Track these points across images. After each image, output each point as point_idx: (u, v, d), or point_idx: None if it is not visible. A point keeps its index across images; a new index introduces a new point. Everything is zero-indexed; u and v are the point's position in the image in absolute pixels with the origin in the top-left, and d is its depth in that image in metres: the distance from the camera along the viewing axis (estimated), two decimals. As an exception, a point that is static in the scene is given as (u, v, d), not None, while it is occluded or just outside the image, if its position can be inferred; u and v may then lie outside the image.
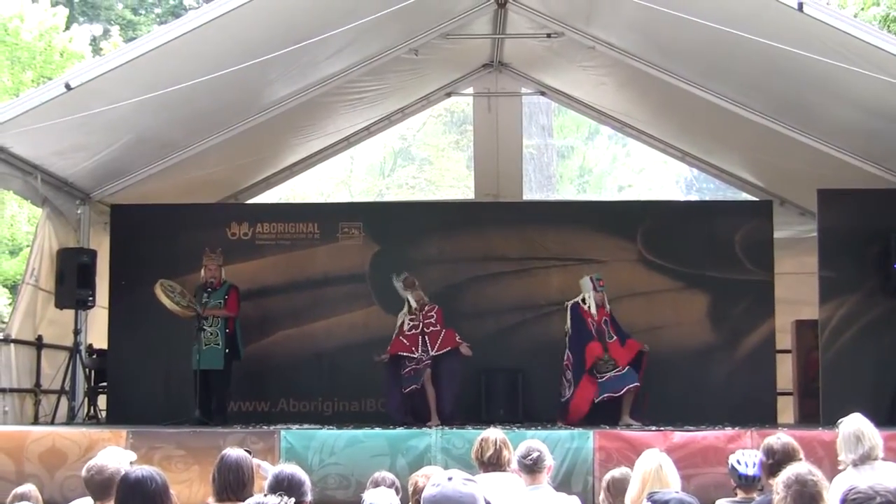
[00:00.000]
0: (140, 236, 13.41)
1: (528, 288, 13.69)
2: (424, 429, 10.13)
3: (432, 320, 11.98)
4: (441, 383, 11.82)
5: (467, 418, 11.85)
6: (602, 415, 11.41)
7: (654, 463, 5.80)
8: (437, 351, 11.78)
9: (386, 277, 12.89)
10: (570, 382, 11.80)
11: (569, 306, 12.07)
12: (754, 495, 6.19)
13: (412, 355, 11.82)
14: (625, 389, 11.54)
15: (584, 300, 12.00)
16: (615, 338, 11.82)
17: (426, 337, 11.88)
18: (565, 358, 11.96)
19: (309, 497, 5.10)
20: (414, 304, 12.05)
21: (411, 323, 11.97)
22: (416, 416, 11.72)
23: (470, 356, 11.96)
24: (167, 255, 13.18)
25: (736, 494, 6.30)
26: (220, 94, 11.33)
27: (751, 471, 6.24)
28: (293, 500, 4.67)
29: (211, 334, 12.09)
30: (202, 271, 12.34)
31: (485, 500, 3.76)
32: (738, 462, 6.30)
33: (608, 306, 12.03)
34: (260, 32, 10.55)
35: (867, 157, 12.36)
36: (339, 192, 27.97)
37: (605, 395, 11.55)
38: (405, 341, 11.88)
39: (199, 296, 12.26)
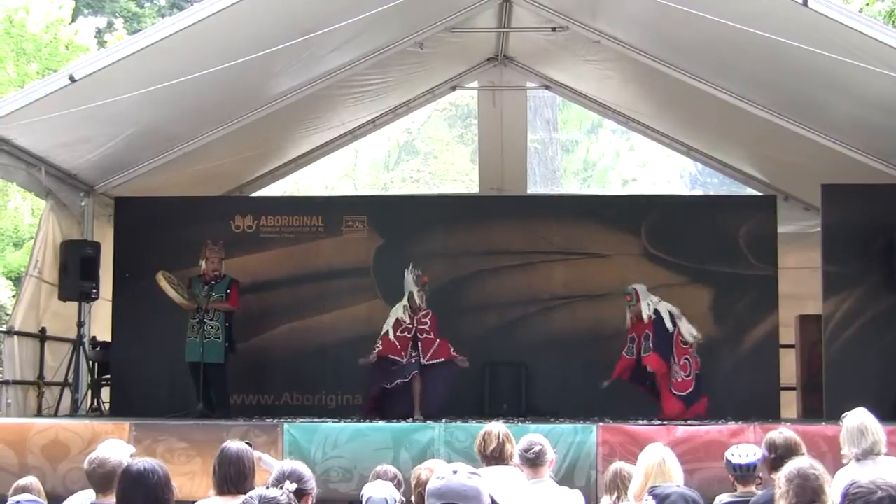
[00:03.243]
0: (144, 229, 13.40)
1: (532, 282, 13.68)
2: (428, 422, 10.12)
3: (426, 327, 11.69)
4: (428, 385, 11.65)
5: (470, 412, 11.82)
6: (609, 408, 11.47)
7: (658, 457, 5.82)
8: (428, 360, 11.53)
9: (390, 271, 12.88)
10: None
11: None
12: (753, 488, 6.22)
13: (400, 360, 11.56)
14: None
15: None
16: (651, 352, 11.61)
17: (419, 343, 11.66)
18: None
19: (311, 486, 5.11)
20: (417, 302, 11.77)
21: (404, 325, 11.69)
22: (393, 412, 11.41)
23: (466, 367, 11.81)
24: (171, 248, 13.17)
25: (736, 489, 6.32)
26: (224, 87, 11.33)
27: (744, 460, 6.26)
28: (295, 485, 4.69)
29: (212, 328, 12.06)
30: (202, 263, 12.29)
31: (489, 494, 3.76)
32: (733, 454, 6.34)
33: (649, 316, 11.70)
34: (265, 25, 10.55)
35: (872, 152, 12.35)
36: (343, 186, 28.04)
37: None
38: (396, 344, 11.57)
39: (194, 287, 12.22)
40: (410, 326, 11.67)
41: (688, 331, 11.69)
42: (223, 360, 12.12)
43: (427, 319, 11.74)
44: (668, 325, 11.67)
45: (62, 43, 23.77)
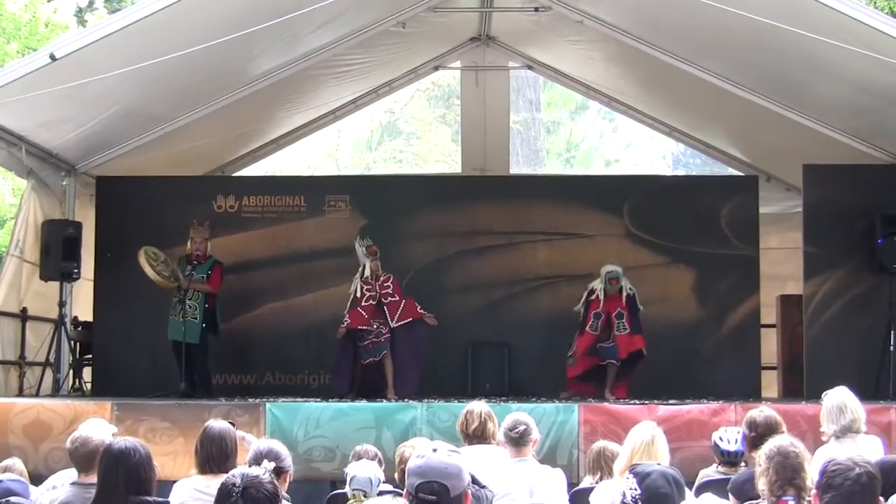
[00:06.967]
0: (126, 209, 13.36)
1: (515, 262, 13.69)
2: (410, 402, 10.14)
3: (389, 290, 11.78)
4: (404, 358, 11.70)
5: (453, 392, 11.85)
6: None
7: (647, 436, 5.83)
8: (397, 322, 11.63)
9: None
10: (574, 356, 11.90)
11: (588, 289, 11.95)
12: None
13: (368, 328, 11.68)
14: (607, 361, 11.68)
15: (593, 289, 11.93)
16: (627, 330, 11.67)
17: (385, 308, 11.74)
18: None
19: (288, 464, 5.14)
20: (368, 273, 11.82)
21: (368, 293, 11.72)
22: (369, 390, 11.53)
23: (435, 325, 11.89)
24: (153, 228, 13.12)
25: (718, 468, 6.36)
26: (206, 67, 11.28)
27: (733, 447, 6.32)
28: (273, 464, 4.72)
29: (190, 308, 12.02)
30: (188, 243, 12.29)
31: (469, 472, 3.77)
32: (721, 439, 6.39)
33: (625, 296, 11.73)
34: (247, 4, 10.50)
35: (854, 133, 12.37)
36: (326, 166, 28.01)
37: (608, 360, 11.72)
38: (363, 314, 11.66)
39: (182, 267, 12.20)
40: (374, 294, 11.71)
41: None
42: (198, 341, 12.07)
43: (389, 283, 11.83)
44: (640, 305, 11.85)
45: (41, 21, 23.60)
